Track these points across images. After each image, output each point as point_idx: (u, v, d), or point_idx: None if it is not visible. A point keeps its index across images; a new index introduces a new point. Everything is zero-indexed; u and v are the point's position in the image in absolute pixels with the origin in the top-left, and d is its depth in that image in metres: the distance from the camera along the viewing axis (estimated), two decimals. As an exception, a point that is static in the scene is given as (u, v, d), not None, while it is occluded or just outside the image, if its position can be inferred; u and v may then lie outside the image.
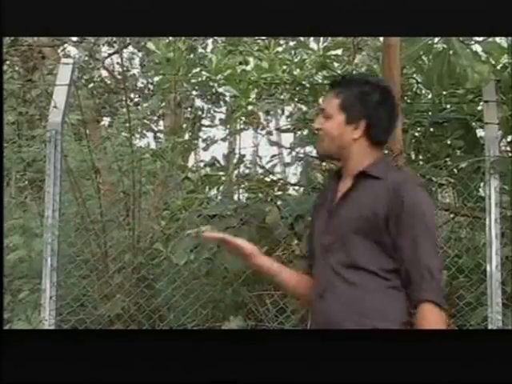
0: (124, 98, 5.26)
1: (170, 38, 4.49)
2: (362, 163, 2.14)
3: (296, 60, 4.75)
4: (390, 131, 2.22)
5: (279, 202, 3.98)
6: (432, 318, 1.98)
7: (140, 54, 8.04)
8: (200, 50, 6.63)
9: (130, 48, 7.84)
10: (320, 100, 4.33)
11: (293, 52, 4.87)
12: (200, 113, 7.83)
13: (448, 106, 3.99)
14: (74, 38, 6.46)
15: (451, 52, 3.23)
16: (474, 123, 3.90)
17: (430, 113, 3.97)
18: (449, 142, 3.89)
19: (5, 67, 5.46)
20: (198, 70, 4.73)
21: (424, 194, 2.14)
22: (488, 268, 3.33)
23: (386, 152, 2.32)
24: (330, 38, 4.44)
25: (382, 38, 3.70)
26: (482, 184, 3.59)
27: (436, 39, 3.39)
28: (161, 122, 7.87)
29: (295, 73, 4.63)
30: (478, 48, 3.48)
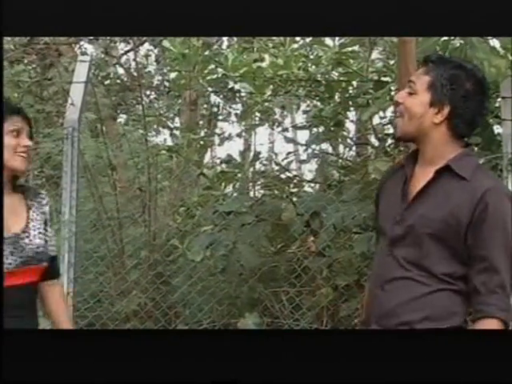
0: (140, 95, 5.27)
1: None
2: (441, 153, 1.99)
3: (312, 57, 4.74)
4: (474, 125, 2.04)
5: (295, 199, 3.98)
6: None
7: (156, 51, 8.05)
8: (215, 47, 6.63)
9: (146, 45, 7.85)
10: (336, 97, 4.32)
11: (308, 49, 4.86)
12: (216, 109, 7.82)
13: (465, 103, 3.95)
14: (90, 35, 6.47)
15: (468, 45, 3.21)
16: (491, 120, 3.87)
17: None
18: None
19: (22, 65, 5.49)
20: (213, 66, 4.73)
21: (509, 204, 1.93)
22: None
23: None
24: (345, 34, 4.42)
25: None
26: (499, 181, 3.56)
27: (452, 35, 3.37)
28: (177, 119, 7.88)
29: (311, 69, 4.62)
30: (495, 43, 3.45)
